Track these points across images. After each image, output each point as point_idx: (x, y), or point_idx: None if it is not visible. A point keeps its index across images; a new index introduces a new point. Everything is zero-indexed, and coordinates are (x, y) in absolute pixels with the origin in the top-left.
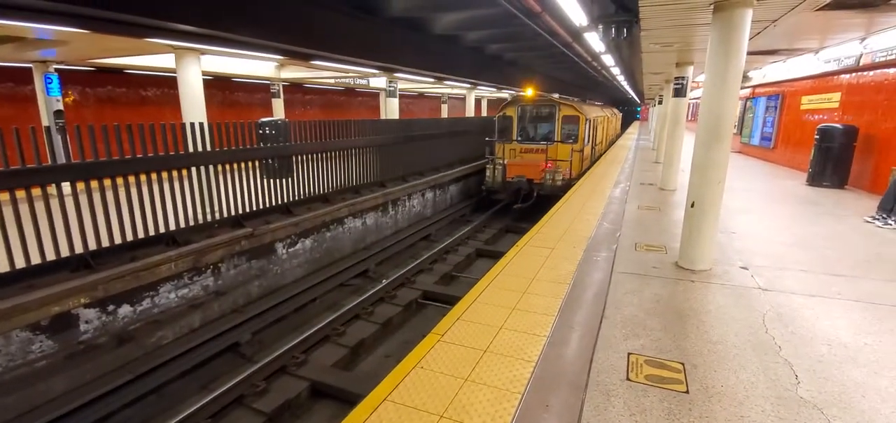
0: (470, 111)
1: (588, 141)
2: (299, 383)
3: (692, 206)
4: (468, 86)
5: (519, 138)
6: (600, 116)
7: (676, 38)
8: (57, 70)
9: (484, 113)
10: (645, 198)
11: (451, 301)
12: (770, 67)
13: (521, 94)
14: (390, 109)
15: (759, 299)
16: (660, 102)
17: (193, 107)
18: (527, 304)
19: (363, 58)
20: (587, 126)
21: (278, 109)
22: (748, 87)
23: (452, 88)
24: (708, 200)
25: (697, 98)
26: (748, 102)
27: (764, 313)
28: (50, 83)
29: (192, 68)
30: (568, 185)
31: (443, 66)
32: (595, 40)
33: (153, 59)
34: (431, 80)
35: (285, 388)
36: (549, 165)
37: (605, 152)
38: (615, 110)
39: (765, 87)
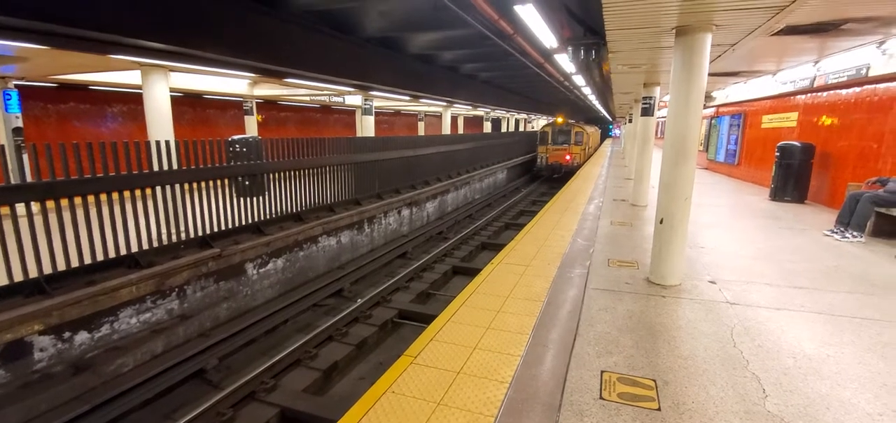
0: (446, 129)
1: (586, 144)
2: (268, 410)
3: (661, 222)
4: (444, 104)
5: (552, 143)
6: (591, 130)
7: (643, 60)
8: (16, 86)
9: (460, 129)
10: (617, 213)
11: (427, 320)
12: (732, 88)
13: (553, 120)
14: (366, 127)
15: (727, 313)
16: (630, 121)
17: (160, 124)
18: (501, 323)
19: (338, 76)
20: (586, 137)
21: (251, 127)
22: (712, 106)
23: (429, 105)
24: (676, 216)
25: (664, 117)
26: (713, 121)
27: (732, 327)
28: (8, 100)
29: (159, 85)
30: (578, 166)
31: (418, 84)
32: (566, 61)
33: (119, 75)
34: (407, 98)
35: (254, 416)
36: (571, 157)
37: (591, 155)
38: (596, 128)
39: (728, 106)
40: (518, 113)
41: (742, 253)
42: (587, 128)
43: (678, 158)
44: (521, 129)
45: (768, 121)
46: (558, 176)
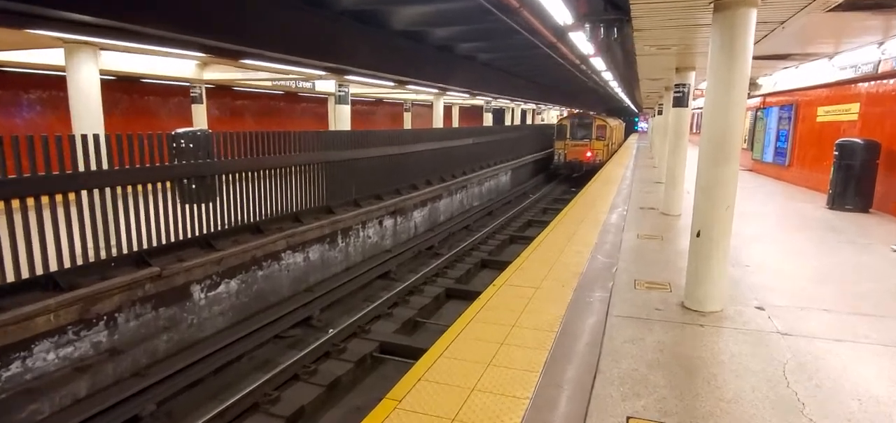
0: (438, 121)
1: (609, 139)
2: None
3: (698, 235)
4: (436, 91)
5: (570, 138)
6: (615, 124)
7: (674, 40)
8: None
9: (455, 122)
10: (645, 224)
11: (414, 355)
12: (781, 74)
13: (571, 111)
14: (340, 119)
15: (779, 346)
16: (659, 113)
17: (87, 114)
18: (505, 358)
19: (306, 57)
20: (609, 131)
21: (200, 118)
22: (758, 95)
23: (417, 92)
24: (716, 227)
25: (701, 108)
26: (759, 113)
27: (784, 362)
28: None
29: (87, 67)
30: (600, 164)
31: (405, 67)
32: (582, 41)
33: (37, 54)
34: (391, 83)
35: None
36: (592, 154)
37: (615, 152)
38: (620, 121)
39: (776, 96)
40: (525, 102)
41: (795, 273)
42: (610, 121)
43: (718, 158)
44: (529, 121)
45: (824, 113)
46: (578, 175)
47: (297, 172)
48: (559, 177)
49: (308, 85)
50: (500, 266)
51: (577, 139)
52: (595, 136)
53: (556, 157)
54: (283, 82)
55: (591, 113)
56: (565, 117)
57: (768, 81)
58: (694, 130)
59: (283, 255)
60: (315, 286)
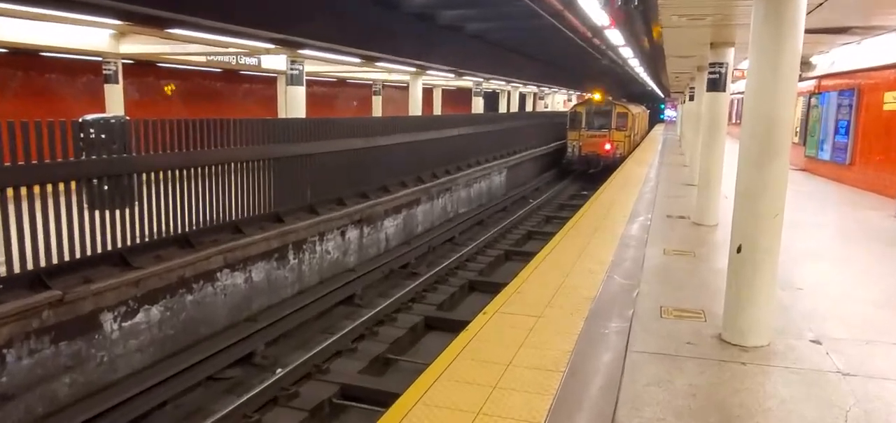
0: (416, 106)
1: (631, 130)
2: None
3: (739, 251)
4: (413, 69)
5: (586, 127)
6: (637, 111)
7: (709, 8)
8: None
9: (437, 109)
10: (673, 237)
11: (384, 402)
12: (840, 51)
13: (588, 97)
14: (293, 104)
15: (840, 390)
16: (691, 98)
17: None
18: (498, 406)
19: (251, 27)
20: (631, 120)
21: (115, 102)
22: (811, 77)
23: (389, 71)
24: (761, 241)
25: (742, 92)
26: (813, 100)
27: (847, 409)
28: None
29: None
30: (621, 159)
31: (372, 40)
32: (595, 10)
33: None
34: (356, 60)
35: None
36: (611, 146)
37: (638, 144)
38: (643, 108)
39: (834, 78)
40: (525, 84)
41: (859, 297)
42: (632, 108)
43: (762, 155)
44: (529, 107)
45: (893, 100)
46: (595, 171)
47: (238, 171)
48: (572, 174)
49: (252, 61)
50: (493, 289)
51: (593, 129)
52: (615, 125)
53: (569, 150)
54: (221, 58)
55: (610, 98)
56: (580, 104)
57: (824, 59)
58: (734, 121)
59: (219, 275)
60: (260, 314)
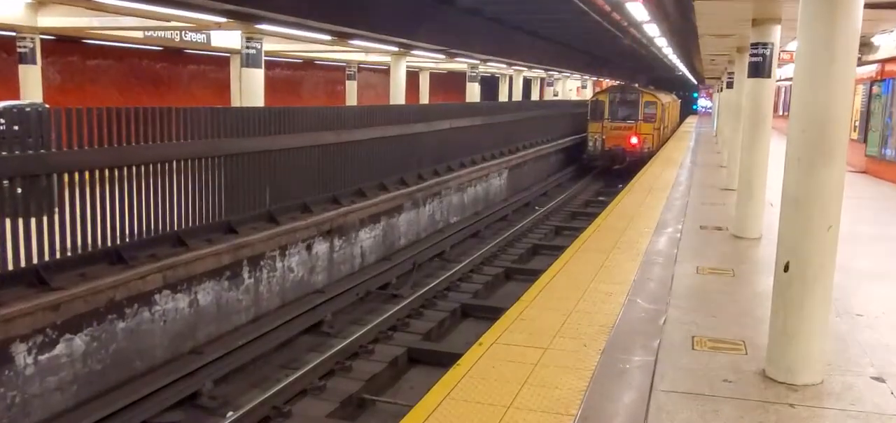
0: (398, 93)
1: (661, 121)
2: None
3: (786, 269)
4: (395, 49)
5: (609, 118)
6: (667, 101)
7: None
8: None
9: (425, 97)
10: (708, 252)
11: None
12: None
13: (611, 85)
14: (250, 88)
15: None
16: (729, 85)
17: None
18: None
19: None
20: (660, 109)
21: (32, 86)
22: (873, 61)
23: (366, 50)
24: (813, 258)
25: (791, 79)
26: (875, 87)
27: None
28: None
29: None
30: (650, 154)
31: (345, 12)
32: None
33: None
34: (326, 36)
35: None
36: (639, 140)
37: (667, 139)
38: (673, 96)
39: None
40: (530, 68)
41: None
42: (661, 96)
43: (814, 155)
44: (536, 94)
45: None
46: (620, 168)
47: (182, 171)
48: (592, 172)
49: (200, 38)
50: (491, 315)
51: (618, 121)
52: (642, 116)
53: (590, 143)
54: (162, 34)
55: (636, 85)
56: (602, 92)
57: (887, 40)
58: (781, 112)
59: (157, 297)
60: (207, 346)
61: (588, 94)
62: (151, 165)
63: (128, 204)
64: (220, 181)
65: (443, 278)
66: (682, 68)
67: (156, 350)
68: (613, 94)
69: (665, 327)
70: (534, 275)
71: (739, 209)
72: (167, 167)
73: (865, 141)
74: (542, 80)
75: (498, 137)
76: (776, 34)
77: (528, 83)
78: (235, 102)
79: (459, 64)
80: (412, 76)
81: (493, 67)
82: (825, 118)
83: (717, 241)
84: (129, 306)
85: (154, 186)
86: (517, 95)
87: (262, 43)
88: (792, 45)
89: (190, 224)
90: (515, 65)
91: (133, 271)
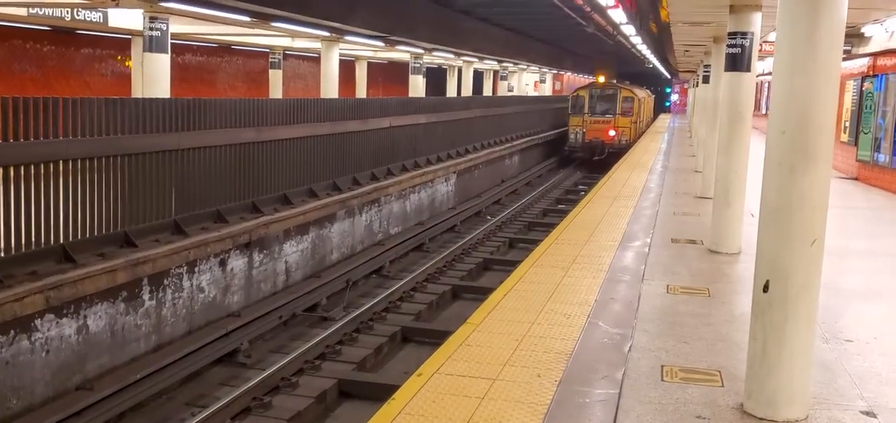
0: (331, 84)
1: (637, 115)
2: None
3: (765, 289)
4: (326, 34)
5: (589, 112)
6: (643, 95)
7: None
8: None
9: (362, 91)
10: (680, 270)
11: None
12: None
13: (593, 81)
14: (153, 77)
15: None
16: (705, 80)
17: None
18: None
19: None
20: (637, 104)
21: None
22: (864, 55)
23: (292, 35)
24: (795, 276)
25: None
26: (865, 84)
27: None
28: None
29: None
30: (626, 146)
31: None
32: None
33: None
34: (246, 17)
35: None
36: (616, 133)
37: (643, 132)
38: (648, 92)
39: (894, 56)
40: (481, 59)
41: None
42: (638, 92)
43: (795, 159)
44: (488, 90)
45: None
46: (599, 159)
47: (70, 173)
48: (574, 162)
49: (96, 17)
50: (435, 339)
51: (597, 115)
52: (620, 110)
53: (571, 136)
54: (49, 12)
55: (614, 82)
56: (583, 88)
57: (879, 31)
58: (763, 111)
59: (37, 322)
60: (98, 380)
61: (547, 89)
62: (33, 167)
63: (3, 213)
64: (117, 185)
65: (381, 297)
66: (654, 60)
67: (36, 386)
68: (593, 90)
69: (631, 355)
70: (484, 293)
71: (715, 220)
72: (52, 169)
73: (856, 143)
74: (496, 73)
75: (445, 137)
76: (756, 23)
77: (479, 76)
78: (137, 92)
79: (401, 53)
80: (347, 66)
81: (440, 58)
82: (807, 118)
83: (691, 256)
84: (3, 333)
85: (36, 192)
86: (467, 90)
87: (168, 23)
88: (774, 36)
89: (79, 236)
90: (465, 55)
91: (8, 291)
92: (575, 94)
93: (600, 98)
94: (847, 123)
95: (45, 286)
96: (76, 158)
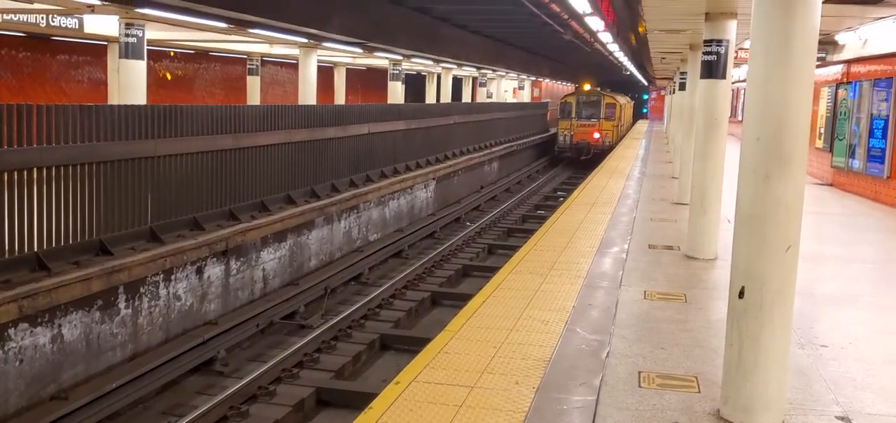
0: (309, 91)
1: (618, 120)
2: None
3: (741, 295)
4: (304, 40)
5: (577, 117)
6: (624, 101)
7: None
8: None
9: (341, 97)
10: (658, 276)
11: None
12: (874, 28)
13: (579, 88)
14: (130, 84)
15: None
16: (681, 87)
17: None
18: None
19: None
20: (618, 110)
21: None
22: (838, 62)
23: (271, 41)
24: (770, 283)
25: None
26: (840, 91)
27: None
28: None
29: None
30: (610, 147)
31: None
32: None
33: None
34: (222, 23)
35: None
36: (600, 135)
37: (624, 136)
38: (628, 98)
39: (868, 63)
40: (460, 65)
41: None
42: (619, 98)
43: (770, 167)
44: (467, 96)
45: None
46: (586, 158)
47: (45, 180)
48: (563, 161)
49: (71, 23)
50: (414, 347)
51: (583, 119)
52: (603, 115)
53: (560, 138)
54: (24, 18)
55: (599, 89)
56: (570, 94)
57: (853, 38)
58: (739, 117)
59: (11, 332)
60: (73, 390)
61: (526, 95)
62: (6, 174)
63: None
64: (93, 193)
65: (359, 304)
66: (631, 67)
67: (10, 396)
68: (579, 96)
69: (608, 361)
70: (463, 300)
71: (692, 226)
72: (27, 176)
73: (831, 150)
74: (475, 79)
75: (425, 143)
76: (732, 30)
77: (458, 83)
78: (113, 99)
79: (380, 59)
80: (326, 72)
81: (419, 64)
82: (781, 124)
83: (668, 262)
84: None
85: (10, 199)
86: (446, 97)
87: (144, 30)
88: (749, 43)
89: (54, 244)
90: (443, 62)
91: None
92: (563, 100)
93: (586, 104)
94: (822, 130)
95: (18, 295)
96: (51, 166)
